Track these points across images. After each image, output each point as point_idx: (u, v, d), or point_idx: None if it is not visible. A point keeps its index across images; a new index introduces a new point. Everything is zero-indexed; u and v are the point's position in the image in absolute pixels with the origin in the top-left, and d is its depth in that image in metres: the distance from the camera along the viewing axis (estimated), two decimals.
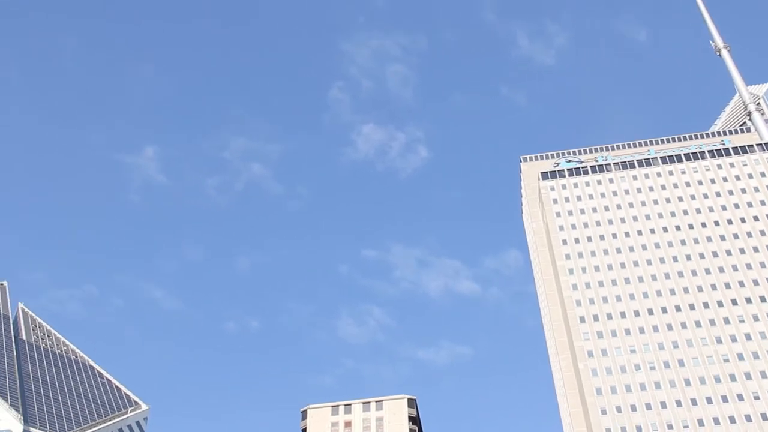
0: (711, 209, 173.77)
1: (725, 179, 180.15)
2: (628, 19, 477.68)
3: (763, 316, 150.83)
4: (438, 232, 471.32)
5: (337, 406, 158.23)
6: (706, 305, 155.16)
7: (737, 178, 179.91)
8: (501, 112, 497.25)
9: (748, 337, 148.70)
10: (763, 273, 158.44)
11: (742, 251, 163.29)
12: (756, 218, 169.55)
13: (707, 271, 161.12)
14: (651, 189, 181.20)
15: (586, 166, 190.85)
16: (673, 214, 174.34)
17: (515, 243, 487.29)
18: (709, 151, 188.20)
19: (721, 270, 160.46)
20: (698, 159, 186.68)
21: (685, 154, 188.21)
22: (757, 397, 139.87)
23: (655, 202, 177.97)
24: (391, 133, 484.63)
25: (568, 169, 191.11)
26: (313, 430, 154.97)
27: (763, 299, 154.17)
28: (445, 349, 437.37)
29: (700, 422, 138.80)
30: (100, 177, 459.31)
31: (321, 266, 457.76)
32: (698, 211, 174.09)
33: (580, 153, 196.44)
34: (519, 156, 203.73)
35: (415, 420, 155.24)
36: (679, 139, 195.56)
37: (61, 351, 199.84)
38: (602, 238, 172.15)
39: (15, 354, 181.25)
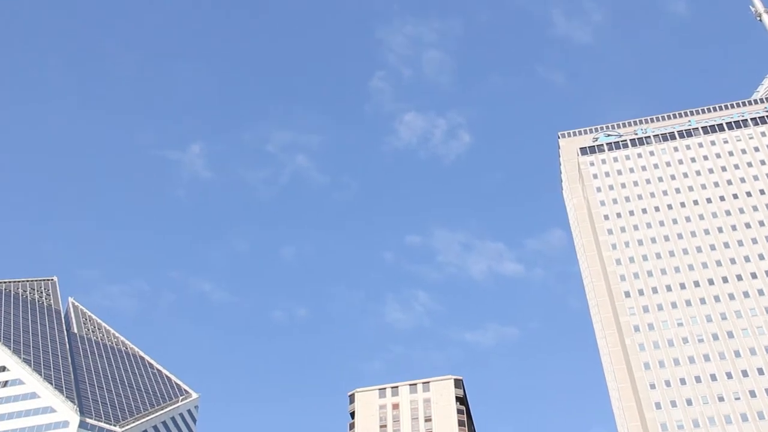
0: (756, 178, 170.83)
1: None
2: None
3: None
4: (480, 216, 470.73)
5: (384, 388, 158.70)
6: (753, 275, 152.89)
7: None
8: (539, 92, 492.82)
9: None
10: None
11: None
12: None
13: (754, 241, 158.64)
14: (693, 160, 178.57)
15: (625, 140, 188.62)
16: (716, 184, 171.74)
17: (558, 222, 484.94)
18: (751, 119, 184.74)
19: None
20: (741, 127, 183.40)
21: (726, 123, 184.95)
22: None
23: (698, 173, 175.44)
24: (433, 120, 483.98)
25: (607, 144, 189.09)
26: (361, 414, 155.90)
27: None
28: (491, 330, 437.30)
29: (752, 393, 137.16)
30: (148, 174, 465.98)
31: (366, 253, 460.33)
32: (742, 180, 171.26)
33: (619, 127, 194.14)
34: (557, 133, 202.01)
35: (462, 400, 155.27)
36: (720, 108, 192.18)
37: (112, 343, 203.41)
38: (644, 211, 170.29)
39: (68, 347, 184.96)
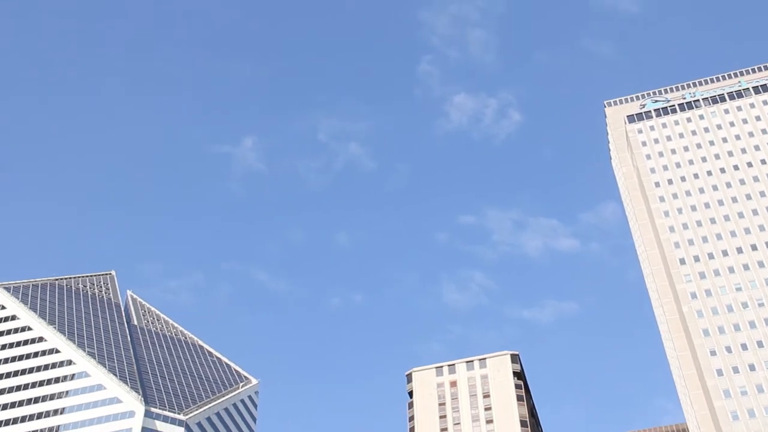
0: None
1: None
2: None
3: None
4: (532, 193, 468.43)
5: (441, 366, 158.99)
6: None
7: None
8: (586, 64, 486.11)
9: None
10: None
11: None
12: None
13: None
14: (744, 121, 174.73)
15: (673, 105, 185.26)
16: None
17: (612, 195, 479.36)
18: None
19: None
20: None
21: None
22: None
23: (750, 134, 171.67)
24: (483, 100, 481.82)
25: (655, 110, 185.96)
26: (419, 393, 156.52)
27: None
28: (549, 307, 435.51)
29: None
30: (201, 169, 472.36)
31: (419, 236, 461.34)
32: None
33: (666, 92, 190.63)
34: (603, 102, 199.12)
35: (519, 375, 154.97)
36: None
37: (171, 333, 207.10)
38: (696, 176, 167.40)
39: (129, 339, 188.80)
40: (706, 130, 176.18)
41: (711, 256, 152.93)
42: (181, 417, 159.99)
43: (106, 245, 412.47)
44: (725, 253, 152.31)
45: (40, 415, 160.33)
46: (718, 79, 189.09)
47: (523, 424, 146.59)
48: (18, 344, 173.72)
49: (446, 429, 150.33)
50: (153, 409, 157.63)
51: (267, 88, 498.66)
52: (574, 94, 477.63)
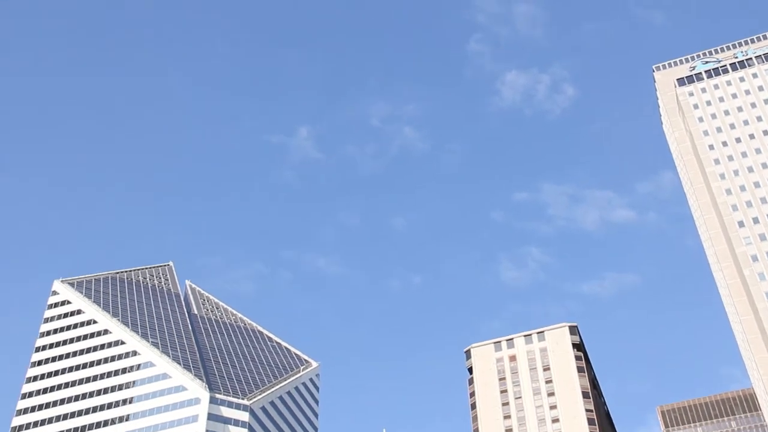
0: None
1: None
2: None
3: None
4: (586, 166, 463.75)
5: (500, 341, 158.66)
6: None
7: None
8: (635, 32, 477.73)
9: None
10: None
11: None
12: None
13: None
14: None
15: (725, 65, 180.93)
16: None
17: (667, 163, 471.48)
18: None
19: None
20: None
21: None
22: None
23: None
24: (535, 76, 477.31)
25: (705, 71, 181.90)
26: (478, 368, 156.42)
27: None
28: (609, 279, 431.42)
29: None
30: (257, 159, 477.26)
31: (475, 216, 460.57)
32: None
33: (716, 52, 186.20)
34: (651, 67, 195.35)
35: (579, 347, 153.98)
36: None
37: (231, 321, 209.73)
38: (752, 137, 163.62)
39: (190, 327, 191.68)
40: (761, 88, 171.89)
41: None
42: (246, 402, 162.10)
43: (165, 238, 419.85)
44: None
45: (110, 405, 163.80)
46: None
47: (585, 395, 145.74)
48: (85, 337, 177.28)
49: (507, 403, 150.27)
50: (218, 395, 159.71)
51: (318, 76, 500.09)
52: (625, 63, 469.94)
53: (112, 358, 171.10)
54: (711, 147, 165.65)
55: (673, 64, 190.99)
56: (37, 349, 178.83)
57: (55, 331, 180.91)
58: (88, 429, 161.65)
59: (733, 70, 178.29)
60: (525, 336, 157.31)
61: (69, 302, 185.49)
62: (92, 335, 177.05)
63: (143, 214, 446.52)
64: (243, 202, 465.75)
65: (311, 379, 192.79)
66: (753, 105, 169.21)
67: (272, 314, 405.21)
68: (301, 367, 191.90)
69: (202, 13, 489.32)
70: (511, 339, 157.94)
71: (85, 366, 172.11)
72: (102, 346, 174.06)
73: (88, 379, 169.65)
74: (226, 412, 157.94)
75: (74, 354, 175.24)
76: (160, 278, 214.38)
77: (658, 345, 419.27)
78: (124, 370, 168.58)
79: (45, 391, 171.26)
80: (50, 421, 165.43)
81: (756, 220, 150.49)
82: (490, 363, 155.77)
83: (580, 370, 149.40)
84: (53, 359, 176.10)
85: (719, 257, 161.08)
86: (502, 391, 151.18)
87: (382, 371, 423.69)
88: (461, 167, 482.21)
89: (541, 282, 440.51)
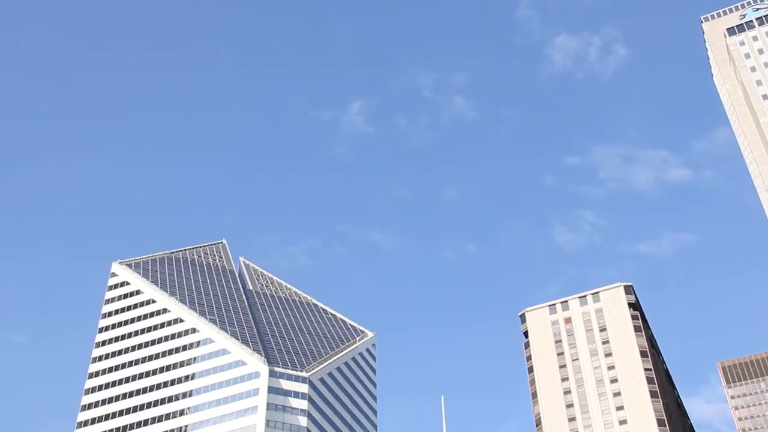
0: None
1: None
2: None
3: None
4: (639, 126, 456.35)
5: (554, 304, 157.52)
6: None
7: None
8: None
9: None
10: None
11: None
12: None
13: None
14: None
15: None
16: None
17: (721, 118, 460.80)
18: None
19: None
20: None
21: None
22: None
23: None
24: (586, 38, 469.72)
25: (756, 18, 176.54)
26: (534, 332, 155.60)
27: None
28: (666, 239, 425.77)
29: None
30: (309, 136, 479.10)
31: (527, 182, 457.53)
32: None
33: None
34: (699, 17, 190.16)
35: (635, 306, 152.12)
36: None
37: (286, 295, 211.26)
38: None
39: (246, 303, 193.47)
40: None
41: None
42: (304, 374, 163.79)
43: (217, 217, 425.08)
44: None
45: (173, 382, 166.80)
46: None
47: (642, 354, 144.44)
48: (145, 317, 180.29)
49: (565, 365, 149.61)
50: (276, 369, 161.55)
51: (365, 50, 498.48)
52: (675, 17, 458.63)
53: (173, 336, 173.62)
54: (765, 97, 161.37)
55: (722, 14, 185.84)
56: (100, 330, 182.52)
57: (116, 311, 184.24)
58: (154, 405, 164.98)
59: None
60: (579, 298, 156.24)
61: (128, 283, 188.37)
62: (152, 314, 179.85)
63: (195, 193, 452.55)
64: (296, 179, 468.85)
65: (367, 349, 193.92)
66: None
67: (327, 288, 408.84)
68: (357, 338, 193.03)
69: None
70: (566, 301, 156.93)
71: (146, 345, 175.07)
72: (162, 325, 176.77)
73: (150, 357, 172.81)
74: (286, 384, 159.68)
75: (135, 333, 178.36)
76: (214, 256, 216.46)
77: (717, 302, 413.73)
78: (184, 348, 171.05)
79: (110, 370, 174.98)
80: (117, 398, 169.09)
81: None
82: (546, 326, 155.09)
83: (636, 329, 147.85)
84: (116, 339, 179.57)
85: None
86: (558, 354, 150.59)
87: (439, 340, 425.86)
88: (512, 134, 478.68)
89: (596, 245, 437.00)
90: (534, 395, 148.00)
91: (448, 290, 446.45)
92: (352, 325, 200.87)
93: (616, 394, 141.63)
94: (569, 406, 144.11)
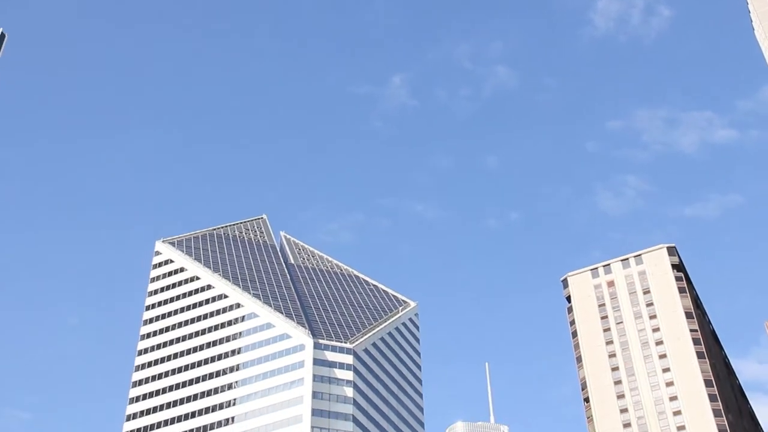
0: None
1: None
2: None
3: None
4: (683, 87, 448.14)
5: (596, 268, 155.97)
6: None
7: None
8: None
9: None
10: None
11: None
12: None
13: None
14: None
15: None
16: None
17: (766, 76, 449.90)
18: None
19: None
20: None
21: None
22: None
23: None
24: (629, 1, 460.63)
25: None
26: (576, 296, 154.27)
27: None
28: (712, 201, 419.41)
29: None
30: (349, 111, 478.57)
31: (569, 149, 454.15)
32: None
33: None
34: None
35: (679, 267, 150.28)
36: None
37: (327, 268, 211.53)
38: None
39: (289, 277, 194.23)
40: None
41: None
42: (348, 345, 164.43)
43: (258, 193, 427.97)
44: None
45: (220, 357, 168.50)
46: None
47: (688, 315, 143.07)
48: (190, 294, 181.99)
49: (609, 329, 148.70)
50: (321, 341, 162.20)
51: (403, 23, 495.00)
52: None
53: (217, 312, 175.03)
54: None
55: None
56: (147, 308, 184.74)
57: (162, 289, 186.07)
58: (202, 380, 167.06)
59: None
60: (622, 260, 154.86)
61: (172, 261, 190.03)
62: (196, 291, 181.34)
63: (235, 170, 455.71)
64: (336, 154, 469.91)
65: (410, 319, 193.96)
66: None
67: (369, 260, 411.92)
68: (400, 308, 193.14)
69: None
70: (608, 264, 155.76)
71: (192, 321, 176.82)
72: (207, 301, 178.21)
73: (196, 333, 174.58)
74: (331, 356, 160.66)
75: (181, 310, 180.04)
76: (255, 231, 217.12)
77: (766, 262, 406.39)
78: (229, 323, 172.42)
79: (158, 347, 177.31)
80: (166, 374, 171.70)
81: None
82: (588, 290, 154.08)
83: (681, 290, 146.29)
84: (163, 316, 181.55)
85: None
86: (602, 317, 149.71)
87: (482, 308, 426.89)
88: (554, 101, 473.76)
89: (641, 209, 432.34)
90: (579, 359, 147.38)
91: (491, 259, 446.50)
92: (394, 296, 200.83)
93: (662, 356, 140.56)
94: (614, 369, 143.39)
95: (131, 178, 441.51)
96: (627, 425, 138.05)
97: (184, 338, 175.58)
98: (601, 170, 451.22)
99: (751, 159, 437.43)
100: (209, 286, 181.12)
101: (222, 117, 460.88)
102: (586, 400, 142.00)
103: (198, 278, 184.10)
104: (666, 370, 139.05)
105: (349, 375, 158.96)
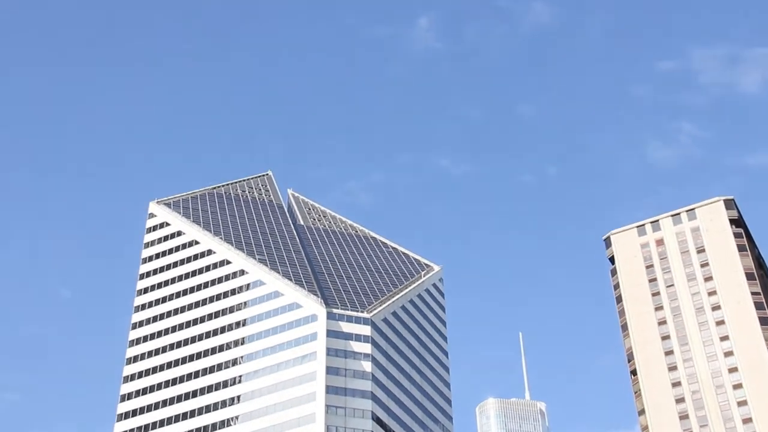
0: None
1: None
2: None
3: None
4: (744, 22, 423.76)
5: (643, 225, 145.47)
6: None
7: None
8: None
9: None
10: None
11: None
12: None
13: None
14: None
15: None
16: None
17: None
18: None
19: None
20: None
21: None
22: None
23: None
24: None
25: None
26: (621, 257, 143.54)
27: None
28: None
29: None
30: (367, 55, 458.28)
31: (614, 93, 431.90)
32: None
33: None
34: None
35: (738, 223, 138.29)
36: None
37: (341, 229, 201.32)
38: None
39: (298, 240, 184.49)
40: None
41: None
42: (366, 315, 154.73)
43: (263, 149, 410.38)
44: None
45: (223, 329, 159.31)
46: None
47: (749, 276, 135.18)
48: (188, 260, 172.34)
49: (658, 293, 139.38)
50: (335, 311, 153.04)
51: None
52: None
53: (219, 280, 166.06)
54: None
55: None
56: (141, 277, 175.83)
57: (157, 256, 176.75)
58: (204, 355, 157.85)
59: None
60: (672, 216, 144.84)
61: (168, 224, 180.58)
62: (195, 257, 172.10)
63: (236, 122, 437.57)
64: (352, 104, 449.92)
65: (434, 285, 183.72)
66: None
67: (389, 221, 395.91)
68: (422, 273, 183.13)
69: None
70: (657, 221, 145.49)
71: (192, 290, 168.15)
72: (207, 268, 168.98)
73: (197, 304, 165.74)
74: (346, 327, 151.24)
75: (179, 278, 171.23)
76: (259, 189, 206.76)
77: None
78: (233, 292, 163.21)
79: (154, 319, 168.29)
80: (164, 350, 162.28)
81: None
82: (635, 250, 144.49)
83: (741, 248, 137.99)
84: (158, 286, 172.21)
85: None
86: (650, 280, 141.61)
87: (514, 272, 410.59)
88: (597, 41, 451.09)
89: (696, 159, 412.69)
90: (624, 327, 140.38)
91: (525, 218, 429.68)
92: (416, 259, 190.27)
93: (720, 323, 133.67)
94: (665, 338, 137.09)
95: (120, 132, 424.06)
96: (680, 400, 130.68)
97: (182, 309, 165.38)
98: (651, 117, 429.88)
99: None
100: (210, 252, 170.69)
101: (222, 58, 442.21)
102: (633, 372, 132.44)
103: (197, 243, 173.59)
104: (724, 338, 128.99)
105: (367, 348, 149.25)
